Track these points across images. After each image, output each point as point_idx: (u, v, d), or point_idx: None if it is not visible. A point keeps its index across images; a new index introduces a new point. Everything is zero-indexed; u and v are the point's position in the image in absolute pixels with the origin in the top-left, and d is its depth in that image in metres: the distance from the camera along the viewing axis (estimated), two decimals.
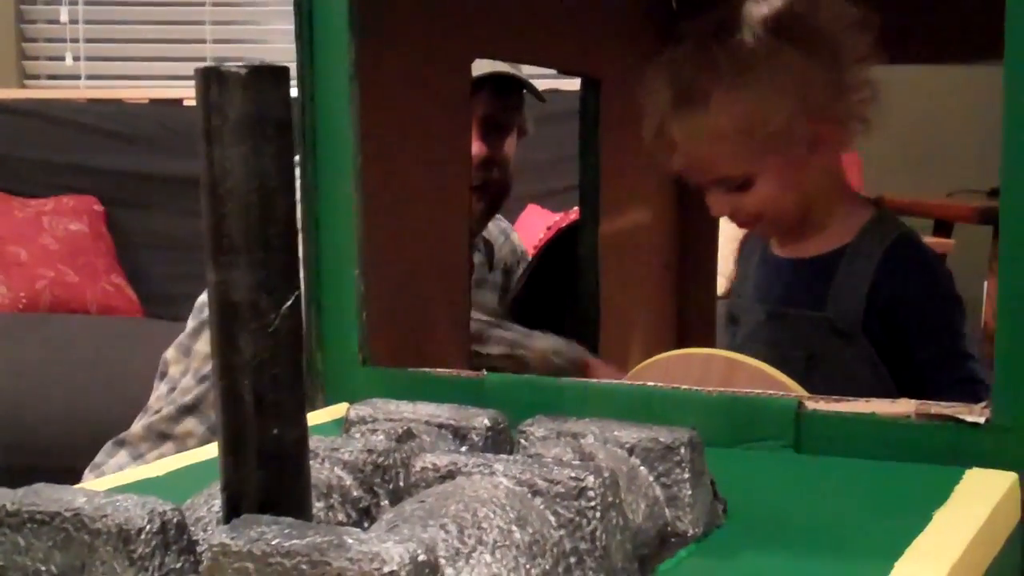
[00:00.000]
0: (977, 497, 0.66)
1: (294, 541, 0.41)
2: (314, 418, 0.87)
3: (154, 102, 3.30)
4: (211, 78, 0.45)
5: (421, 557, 0.40)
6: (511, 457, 0.53)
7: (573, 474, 0.50)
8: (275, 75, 0.46)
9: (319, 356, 0.92)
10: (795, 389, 0.93)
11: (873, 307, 0.97)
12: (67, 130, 3.14)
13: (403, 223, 1.03)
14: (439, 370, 0.88)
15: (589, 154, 1.43)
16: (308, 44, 0.90)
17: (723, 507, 0.61)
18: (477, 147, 1.53)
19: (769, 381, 0.93)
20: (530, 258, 1.82)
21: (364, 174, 0.91)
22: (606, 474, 0.51)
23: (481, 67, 1.47)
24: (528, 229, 2.75)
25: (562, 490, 0.50)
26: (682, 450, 0.58)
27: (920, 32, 1.36)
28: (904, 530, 0.59)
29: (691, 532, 0.58)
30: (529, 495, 0.51)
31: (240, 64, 0.45)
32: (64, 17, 3.51)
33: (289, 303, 0.46)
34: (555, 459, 0.56)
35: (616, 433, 0.60)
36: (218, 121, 0.46)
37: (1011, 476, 0.69)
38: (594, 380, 0.83)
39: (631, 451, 0.59)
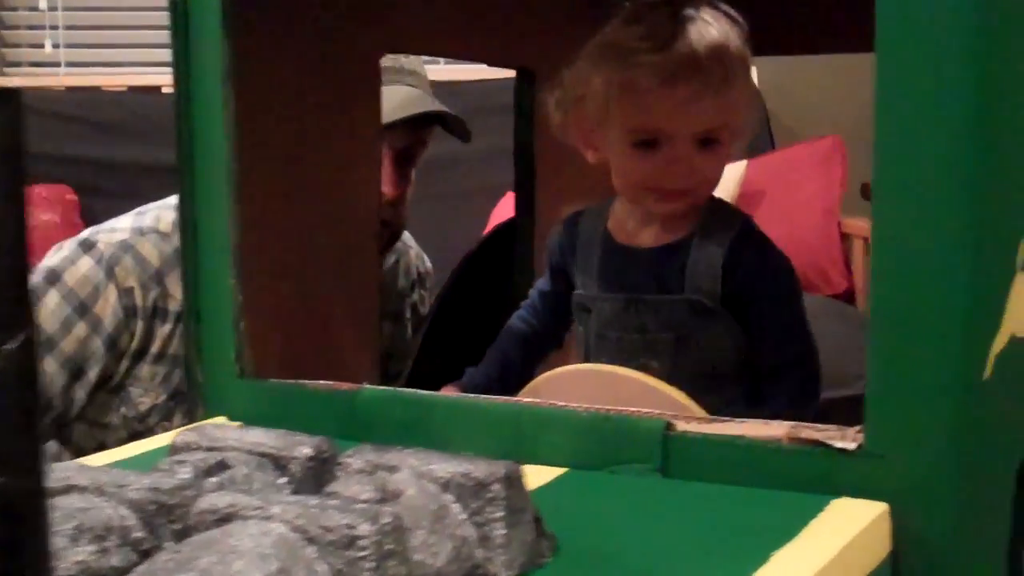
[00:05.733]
0: (834, 529, 0.62)
1: None
2: None
3: (132, 89, 3.27)
4: None
5: None
6: (297, 498, 0.50)
7: (346, 521, 0.47)
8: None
9: (198, 368, 0.89)
10: (691, 407, 0.89)
11: (727, 287, 1.03)
12: (44, 119, 3.12)
13: (295, 229, 0.99)
14: (313, 383, 0.85)
15: (524, 150, 1.39)
16: (183, 42, 0.87)
17: (550, 544, 0.58)
18: (390, 188, 1.44)
19: (665, 400, 0.89)
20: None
21: (242, 179, 0.87)
22: (386, 520, 0.48)
23: (394, 108, 1.39)
24: (505, 218, 2.71)
25: (334, 538, 0.47)
26: (495, 486, 0.55)
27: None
28: (741, 566, 0.56)
29: (503, 574, 0.54)
30: (303, 543, 0.47)
31: None
32: (43, 4, 3.48)
33: (17, 343, 0.43)
34: (349, 499, 0.53)
35: (432, 467, 0.56)
36: None
37: (880, 506, 0.65)
38: (467, 397, 0.80)
39: (446, 486, 0.56)
